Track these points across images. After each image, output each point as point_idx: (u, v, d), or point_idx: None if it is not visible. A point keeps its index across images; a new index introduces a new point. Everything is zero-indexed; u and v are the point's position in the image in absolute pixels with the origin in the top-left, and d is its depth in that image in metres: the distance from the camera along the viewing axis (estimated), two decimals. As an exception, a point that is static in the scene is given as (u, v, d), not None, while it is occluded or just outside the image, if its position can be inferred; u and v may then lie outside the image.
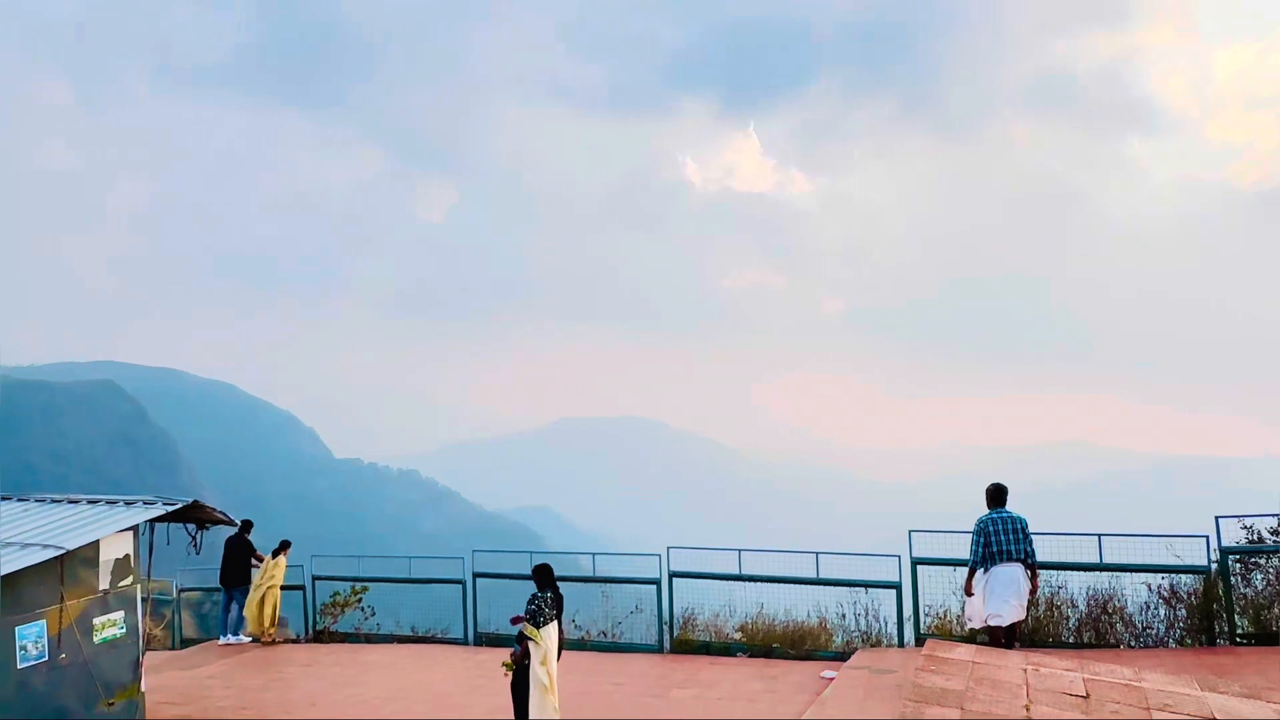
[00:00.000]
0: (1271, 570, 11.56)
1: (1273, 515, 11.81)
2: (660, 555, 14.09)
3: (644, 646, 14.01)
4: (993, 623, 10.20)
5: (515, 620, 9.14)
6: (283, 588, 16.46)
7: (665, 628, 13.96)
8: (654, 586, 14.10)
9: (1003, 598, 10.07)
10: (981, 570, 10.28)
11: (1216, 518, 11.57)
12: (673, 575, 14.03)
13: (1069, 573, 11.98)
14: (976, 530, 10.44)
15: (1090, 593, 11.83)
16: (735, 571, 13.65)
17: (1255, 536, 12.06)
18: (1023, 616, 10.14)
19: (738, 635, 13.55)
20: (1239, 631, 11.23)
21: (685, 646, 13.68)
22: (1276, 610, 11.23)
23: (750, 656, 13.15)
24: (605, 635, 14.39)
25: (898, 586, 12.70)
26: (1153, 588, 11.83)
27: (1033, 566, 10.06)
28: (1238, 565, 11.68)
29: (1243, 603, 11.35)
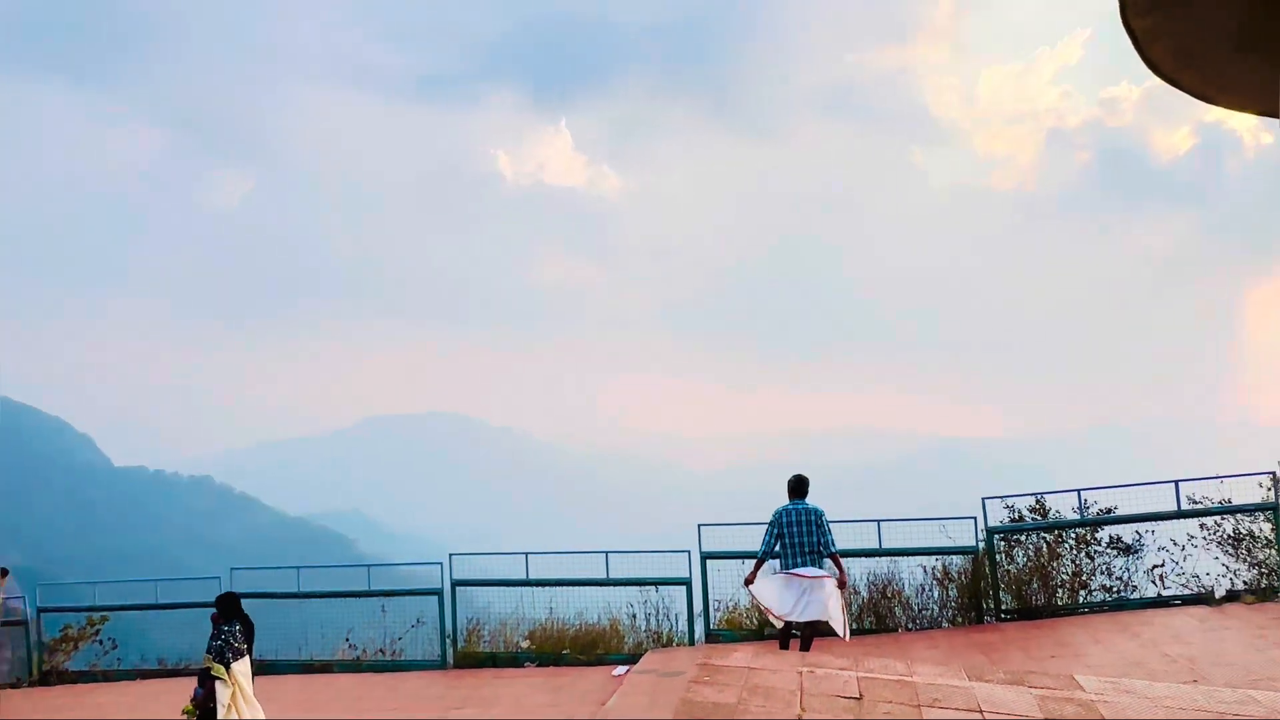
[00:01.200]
0: (1031, 547, 12.12)
1: (1031, 495, 12.40)
2: (442, 563, 13.08)
3: (425, 663, 12.95)
4: (787, 619, 9.96)
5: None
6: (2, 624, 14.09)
7: (448, 641, 12.98)
8: (435, 597, 13.09)
9: (796, 593, 9.83)
10: (780, 565, 10.02)
11: (983, 499, 11.99)
12: (455, 584, 13.06)
13: (850, 560, 12.05)
14: (770, 522, 10.16)
15: (870, 578, 11.97)
16: (522, 576, 12.89)
17: (1016, 515, 12.62)
18: (822, 616, 9.85)
19: (526, 644, 12.79)
20: (1004, 608, 11.68)
21: (470, 660, 12.75)
22: (1035, 585, 11.77)
23: (539, 666, 12.42)
24: (384, 654, 13.21)
25: (687, 583, 12.37)
26: (928, 569, 12.13)
27: (834, 556, 9.88)
28: (1002, 544, 12.17)
29: (1006, 580, 11.82)
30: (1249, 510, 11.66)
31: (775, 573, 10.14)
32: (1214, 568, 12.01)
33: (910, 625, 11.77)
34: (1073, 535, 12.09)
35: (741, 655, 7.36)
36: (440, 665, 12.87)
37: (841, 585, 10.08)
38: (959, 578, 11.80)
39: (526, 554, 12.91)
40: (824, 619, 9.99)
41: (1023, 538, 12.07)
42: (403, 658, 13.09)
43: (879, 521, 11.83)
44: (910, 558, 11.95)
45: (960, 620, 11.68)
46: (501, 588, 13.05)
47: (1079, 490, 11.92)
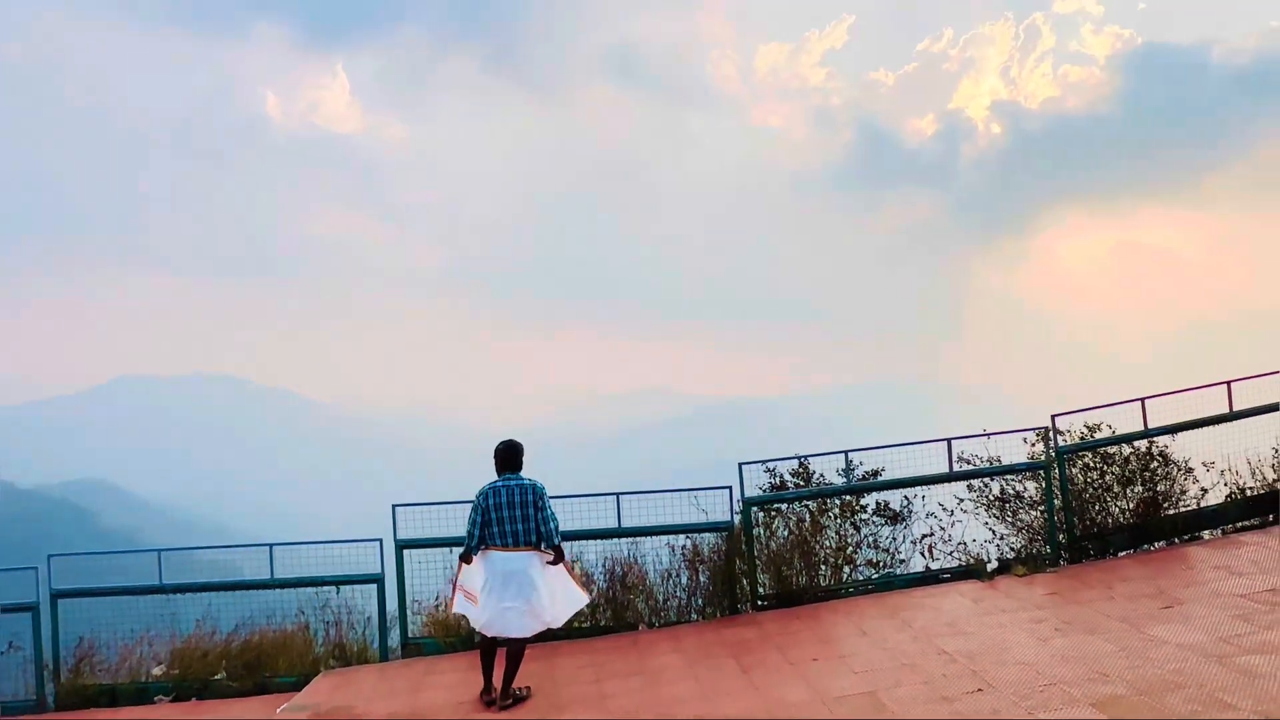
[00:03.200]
0: (793, 518, 10.38)
1: (793, 457, 10.65)
2: (38, 568, 9.51)
3: (15, 705, 9.40)
4: (485, 631, 7.49)
5: None
6: None
7: (48, 673, 9.48)
8: (30, 614, 9.51)
9: (499, 597, 7.36)
10: (478, 557, 7.51)
11: (740, 464, 10.06)
12: (56, 596, 9.53)
13: (583, 544, 9.77)
14: (474, 504, 7.61)
15: (607, 565, 9.74)
16: (155, 582, 9.57)
17: (779, 481, 10.86)
18: (527, 631, 7.42)
19: (160, 670, 9.53)
20: (762, 594, 9.83)
21: (79, 696, 9.34)
22: (797, 564, 10.02)
23: (176, 700, 9.25)
24: (-49, 695, 9.49)
25: (379, 580, 9.60)
26: (677, 550, 10.09)
27: (557, 549, 7.48)
28: (761, 515, 10.35)
29: (765, 558, 10.00)
30: (1020, 470, 10.48)
31: (479, 565, 7.68)
32: (983, 534, 10.83)
33: (654, 620, 9.64)
34: (838, 503, 10.48)
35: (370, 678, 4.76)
36: (34, 708, 9.37)
37: (558, 560, 7.77)
38: (712, 559, 9.82)
39: (159, 551, 9.59)
40: (529, 634, 7.55)
41: (784, 508, 10.30)
42: (-20, 700, 9.45)
43: (618, 495, 9.60)
44: (655, 537, 9.82)
45: (712, 611, 9.69)
46: (128, 597, 9.68)
47: (846, 452, 10.25)
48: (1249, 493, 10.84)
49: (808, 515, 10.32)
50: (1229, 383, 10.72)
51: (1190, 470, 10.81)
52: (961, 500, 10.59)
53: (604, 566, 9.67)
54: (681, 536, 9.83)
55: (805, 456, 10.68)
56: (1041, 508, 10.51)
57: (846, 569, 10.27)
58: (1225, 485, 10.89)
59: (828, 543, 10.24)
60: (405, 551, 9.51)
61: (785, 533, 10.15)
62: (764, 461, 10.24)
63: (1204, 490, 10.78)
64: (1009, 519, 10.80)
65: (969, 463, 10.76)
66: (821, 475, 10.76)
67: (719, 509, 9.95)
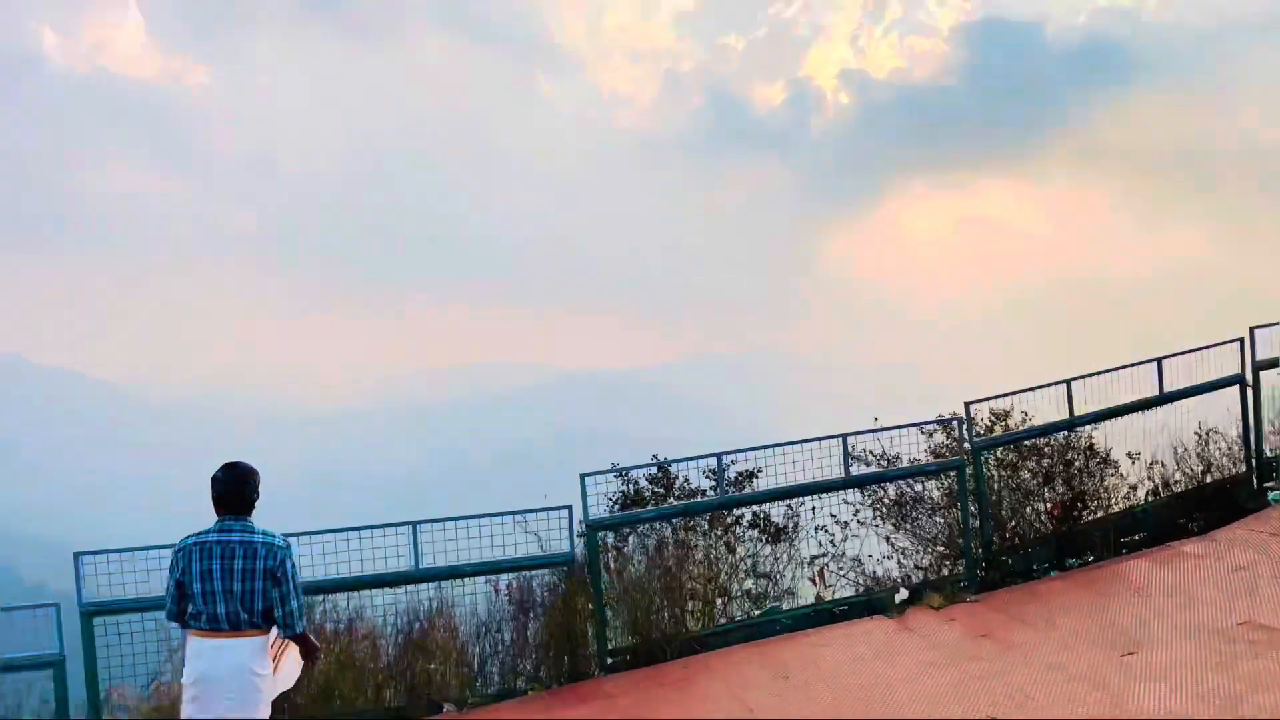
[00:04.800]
0: (652, 544, 8.36)
1: (649, 465, 8.61)
2: None
3: None
4: None
5: None
6: None
7: None
8: None
9: (205, 709, 4.90)
10: (188, 648, 5.01)
11: (582, 476, 7.88)
12: None
13: (371, 592, 7.38)
14: (171, 561, 5.08)
15: (399, 626, 7.37)
16: None
17: (632, 491, 8.82)
18: None
19: None
20: (613, 648, 7.77)
21: None
22: (660, 602, 8.01)
23: None
24: None
25: (58, 662, 6.85)
26: (502, 591, 7.85)
27: (301, 638, 4.99)
28: (611, 538, 8.27)
29: (616, 598, 7.93)
30: (930, 471, 8.88)
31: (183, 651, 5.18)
32: (883, 549, 9.22)
33: (466, 696, 7.36)
34: (706, 520, 8.56)
35: None
36: None
37: (307, 656, 5.37)
38: (547, 605, 7.66)
39: None
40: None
41: (642, 528, 8.27)
42: None
43: (413, 524, 7.23)
44: (468, 580, 7.54)
45: (548, 678, 7.51)
46: None
47: (719, 455, 8.29)
48: (1175, 488, 9.73)
49: (671, 537, 8.34)
50: (1159, 360, 9.52)
51: (1115, 464, 9.61)
52: (858, 509, 8.92)
53: (396, 626, 7.31)
54: (505, 575, 7.60)
55: (668, 461, 8.68)
56: (950, 516, 8.99)
57: (720, 601, 8.38)
58: (1150, 480, 9.76)
59: (696, 570, 8.30)
60: (96, 620, 6.81)
61: (643, 562, 8.12)
62: (612, 471, 8.12)
63: (1132, 488, 9.60)
64: (908, 530, 9.24)
65: (864, 463, 9.12)
66: (686, 480, 8.82)
67: (557, 536, 7.77)
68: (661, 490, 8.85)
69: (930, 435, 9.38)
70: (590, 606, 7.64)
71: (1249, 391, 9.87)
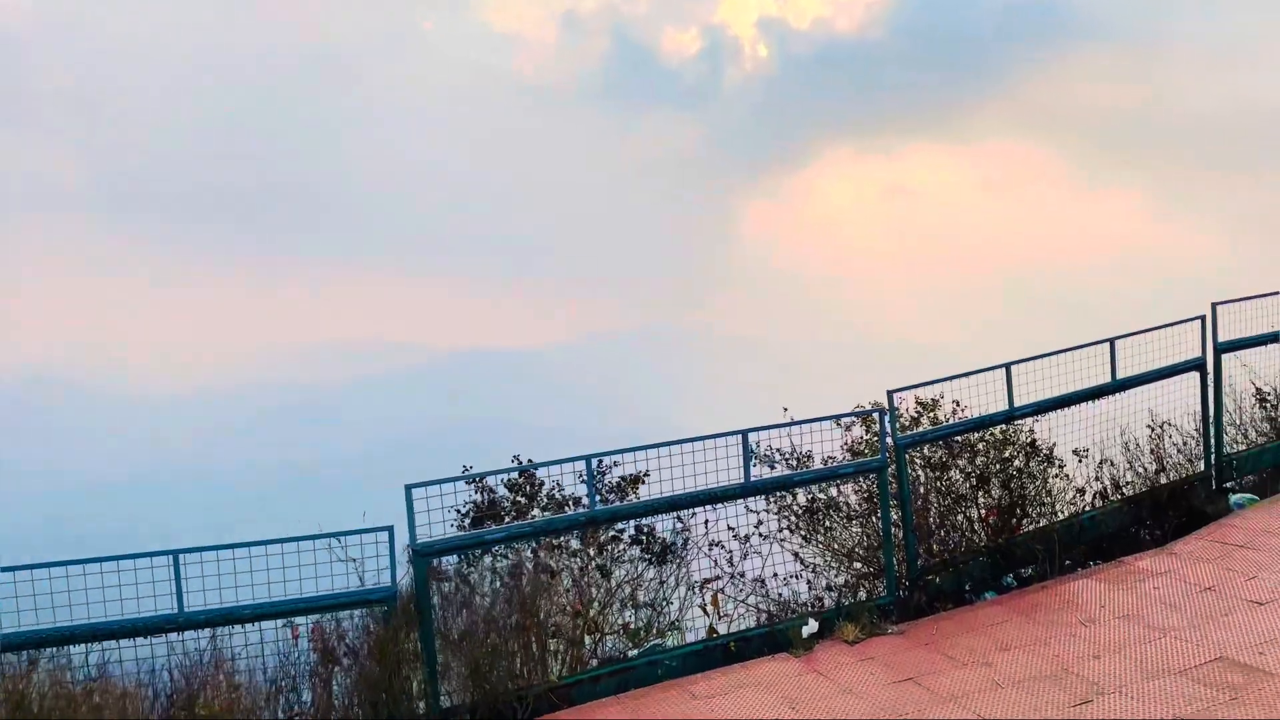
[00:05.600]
0: (504, 569, 7.18)
1: (510, 470, 7.43)
2: None
3: None
4: None
5: None
6: None
7: None
8: None
9: None
10: None
11: (407, 487, 6.58)
12: None
13: (123, 643, 6.00)
14: None
15: (161, 681, 6.02)
16: None
17: (486, 503, 7.66)
18: None
19: None
20: (446, 706, 6.55)
21: None
22: (512, 648, 6.84)
23: None
24: None
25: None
26: (302, 638, 6.57)
27: None
28: (453, 564, 7.08)
29: (455, 644, 6.71)
30: (845, 474, 7.93)
31: None
32: (793, 567, 8.26)
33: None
34: (578, 538, 7.44)
35: None
36: None
37: None
38: (361, 655, 6.41)
39: None
40: None
41: (497, 551, 7.09)
42: None
43: (174, 555, 5.87)
44: (256, 624, 6.24)
45: (354, 752, 6.29)
46: None
47: (588, 457, 7.12)
48: (1127, 490, 9.03)
49: (529, 562, 7.18)
50: (1111, 341, 8.77)
51: (1060, 463, 8.86)
52: (760, 520, 7.92)
53: (156, 688, 5.95)
54: (305, 617, 6.31)
55: (533, 466, 7.49)
56: (869, 526, 8.07)
57: (590, 640, 7.27)
58: (1100, 481, 9.04)
59: (562, 602, 7.16)
60: None
61: (492, 594, 6.93)
62: (453, 480, 6.86)
63: (1079, 491, 8.85)
64: (821, 543, 8.30)
65: (771, 464, 8.13)
66: (559, 487, 7.67)
67: (383, 564, 6.49)
68: (524, 500, 7.73)
69: (849, 429, 8.47)
70: (410, 664, 6.41)
71: (1209, 378, 9.25)
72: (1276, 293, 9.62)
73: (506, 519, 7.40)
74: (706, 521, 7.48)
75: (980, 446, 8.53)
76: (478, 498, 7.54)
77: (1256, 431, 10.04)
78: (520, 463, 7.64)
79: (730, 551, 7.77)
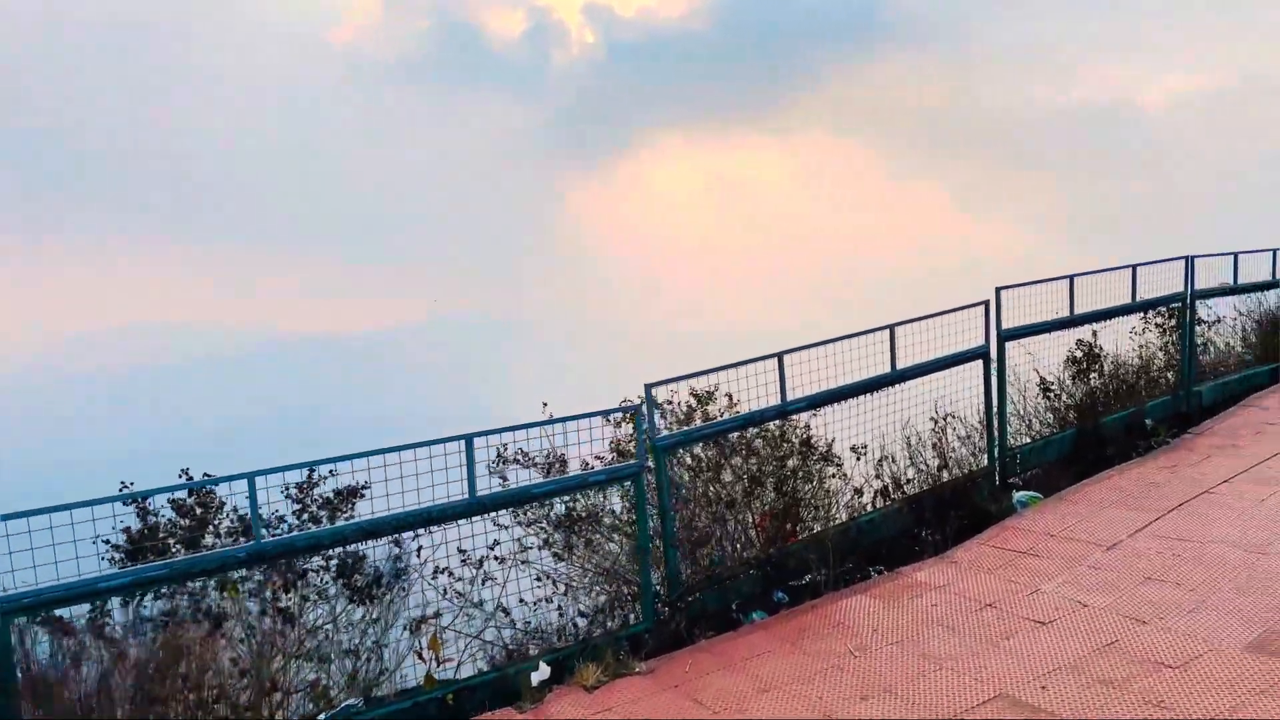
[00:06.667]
0: (157, 613, 5.64)
1: (175, 488, 5.87)
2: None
3: None
4: None
5: None
6: None
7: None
8: None
9: None
10: None
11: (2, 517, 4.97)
12: None
13: None
14: None
15: None
16: None
17: (145, 531, 6.08)
18: None
19: None
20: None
21: None
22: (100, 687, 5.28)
23: None
24: None
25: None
26: None
27: None
28: (83, 614, 5.48)
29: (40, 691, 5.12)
30: (596, 482, 6.76)
31: None
32: (543, 590, 7.06)
33: None
34: (264, 572, 5.96)
35: None
36: None
37: None
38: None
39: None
40: None
41: (115, 606, 5.51)
42: None
43: None
44: None
45: None
46: None
47: (250, 476, 5.62)
48: (909, 489, 8.31)
49: (188, 607, 5.65)
50: (891, 327, 7.98)
51: (838, 461, 8.04)
52: (497, 542, 6.66)
53: None
54: None
55: (211, 482, 5.92)
56: (626, 540, 6.96)
57: (267, 705, 5.80)
58: (880, 479, 8.29)
59: (229, 658, 5.67)
60: None
61: (127, 653, 5.37)
62: (59, 509, 5.24)
63: (857, 492, 8.04)
64: (578, 559, 7.14)
65: (520, 468, 6.91)
66: (234, 511, 6.15)
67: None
68: (194, 524, 6.18)
69: (619, 426, 7.33)
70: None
71: (992, 366, 8.66)
72: (1061, 278, 9.13)
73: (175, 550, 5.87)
74: (420, 549, 6.15)
75: (758, 445, 7.59)
76: (144, 524, 6.00)
77: (1041, 422, 9.61)
78: (193, 484, 6.07)
79: (460, 579, 6.47)
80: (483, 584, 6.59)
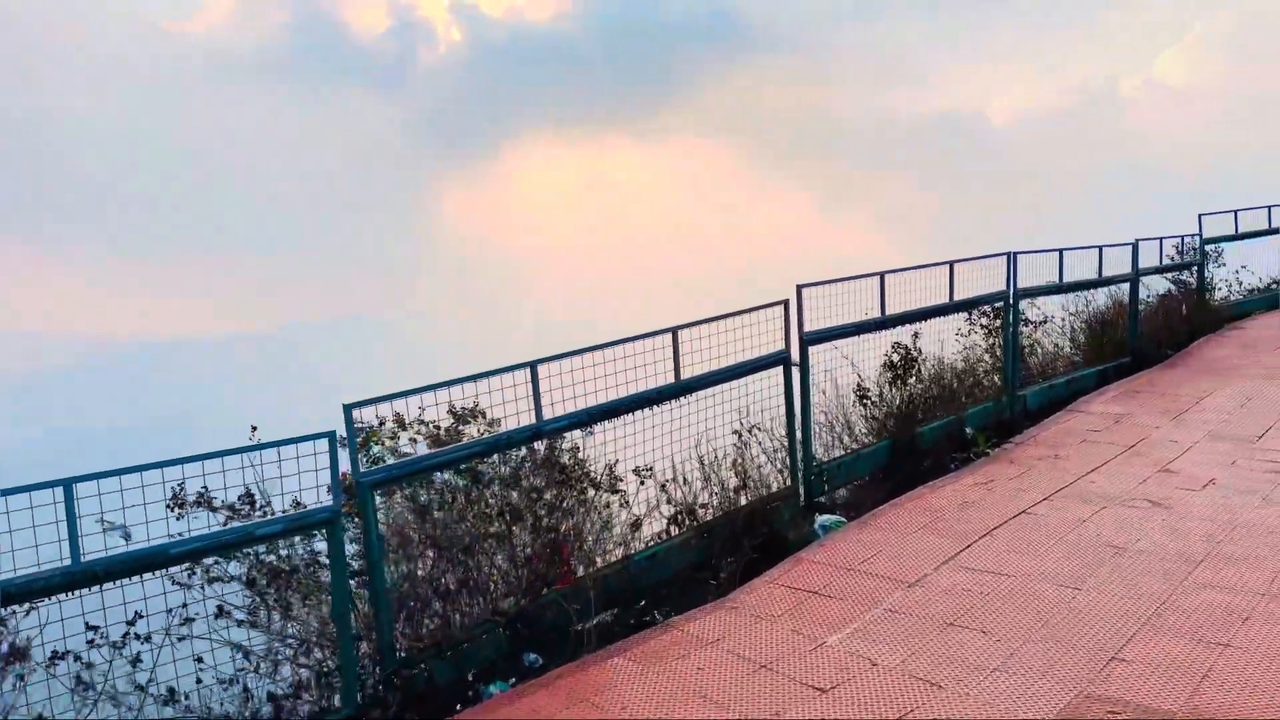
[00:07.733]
0: None
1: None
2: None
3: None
4: None
5: None
6: None
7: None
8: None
9: None
10: None
11: None
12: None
13: None
14: None
15: None
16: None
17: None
18: None
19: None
20: None
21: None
22: None
23: None
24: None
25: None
26: None
27: None
28: None
29: None
30: (266, 536, 5.35)
31: None
32: (231, 664, 5.62)
33: None
34: None
35: None
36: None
37: None
38: None
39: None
40: None
41: None
42: None
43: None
44: None
45: None
46: None
47: None
48: (702, 515, 7.19)
49: None
50: (674, 330, 6.83)
51: (619, 487, 6.85)
52: (138, 613, 5.18)
53: None
54: None
55: None
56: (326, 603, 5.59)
57: None
58: (671, 505, 7.14)
59: None
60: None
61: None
62: None
63: (633, 524, 6.86)
64: (273, 626, 5.73)
65: (211, 511, 5.46)
66: None
67: None
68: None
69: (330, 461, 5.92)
70: None
71: (796, 373, 7.63)
72: (871, 274, 8.18)
73: None
74: (23, 635, 4.64)
75: (522, 474, 6.35)
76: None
77: (861, 433, 8.67)
78: None
79: (103, 657, 4.99)
80: (134, 664, 5.10)
